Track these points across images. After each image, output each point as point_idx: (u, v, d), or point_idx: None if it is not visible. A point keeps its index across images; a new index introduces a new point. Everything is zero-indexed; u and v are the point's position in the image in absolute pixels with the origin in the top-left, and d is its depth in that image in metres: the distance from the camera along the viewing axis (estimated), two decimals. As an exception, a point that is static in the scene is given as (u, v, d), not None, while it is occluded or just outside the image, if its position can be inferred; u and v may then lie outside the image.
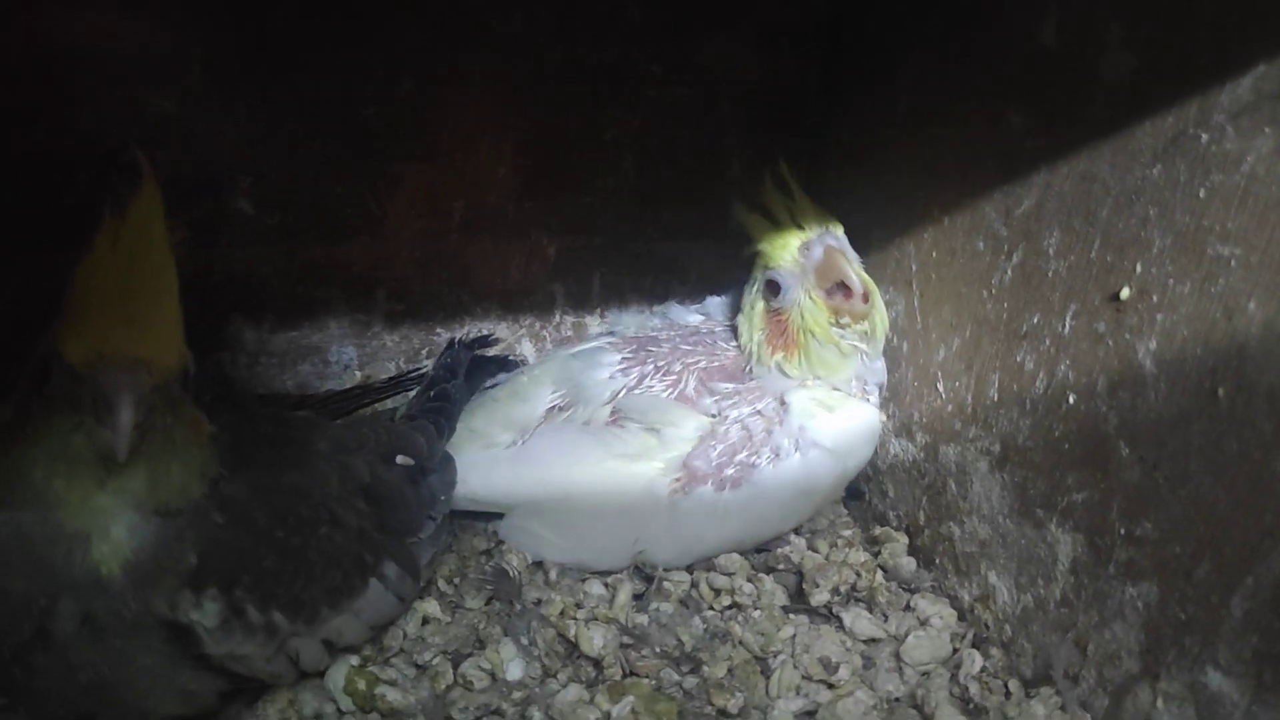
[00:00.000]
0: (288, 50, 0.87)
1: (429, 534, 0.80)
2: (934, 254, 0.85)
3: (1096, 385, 0.68)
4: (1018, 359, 0.76)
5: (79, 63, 0.81)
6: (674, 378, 0.90)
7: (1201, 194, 0.59)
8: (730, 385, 0.89)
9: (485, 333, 1.02)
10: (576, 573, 0.88)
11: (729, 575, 0.86)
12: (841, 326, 0.85)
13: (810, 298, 0.85)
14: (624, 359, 0.92)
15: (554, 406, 0.91)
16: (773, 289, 0.87)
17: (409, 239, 0.98)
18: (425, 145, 0.94)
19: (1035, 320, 0.74)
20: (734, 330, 0.94)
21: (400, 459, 0.79)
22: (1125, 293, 0.65)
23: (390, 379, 0.99)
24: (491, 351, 1.02)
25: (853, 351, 0.86)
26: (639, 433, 0.87)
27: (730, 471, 0.85)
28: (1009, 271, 0.76)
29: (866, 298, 0.84)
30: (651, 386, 0.89)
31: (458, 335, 1.02)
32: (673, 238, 1.05)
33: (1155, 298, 0.63)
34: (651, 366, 0.91)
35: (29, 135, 0.81)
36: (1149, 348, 0.63)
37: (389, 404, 1.00)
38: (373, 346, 1.01)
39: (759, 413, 0.87)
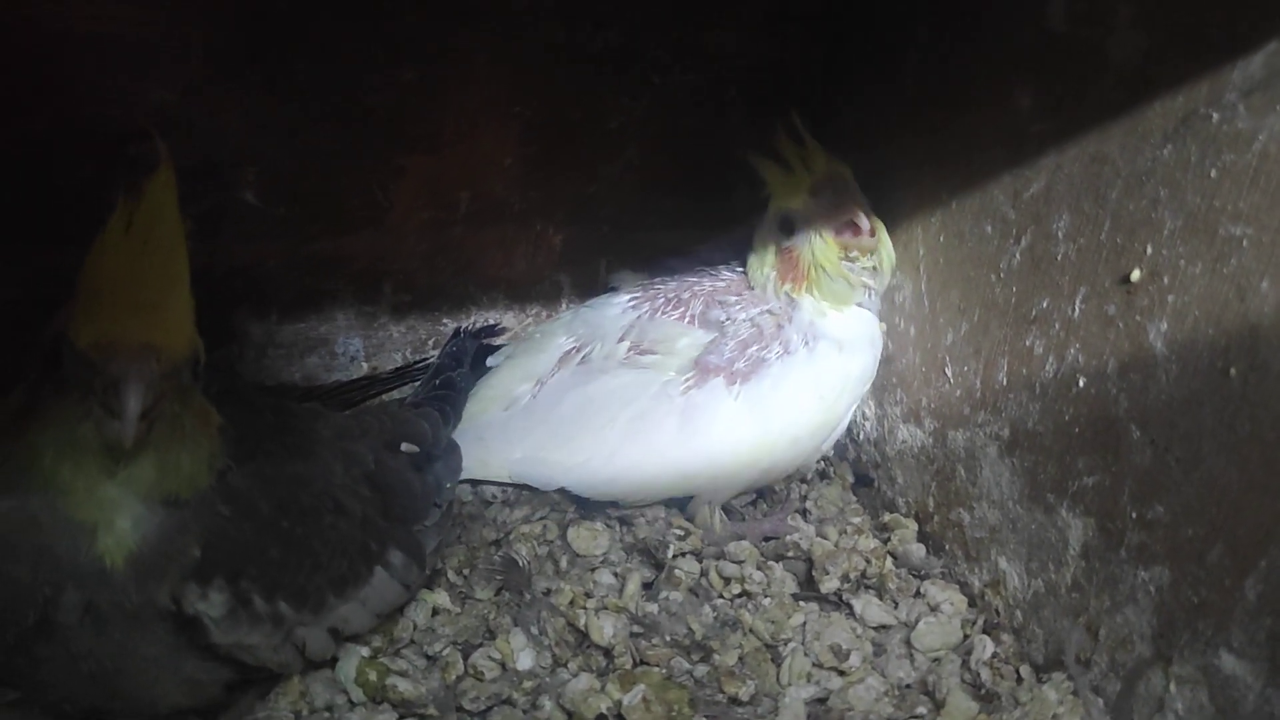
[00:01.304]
0: (290, 37, 0.86)
1: (434, 521, 0.80)
2: (941, 238, 0.85)
3: (1107, 368, 0.68)
4: (1027, 343, 0.75)
5: (76, 51, 0.80)
6: (683, 306, 0.92)
7: (1213, 174, 0.59)
8: (737, 297, 0.92)
9: (491, 322, 1.02)
10: (586, 563, 0.88)
11: (739, 563, 0.86)
12: (851, 261, 0.87)
13: (821, 236, 0.87)
14: (632, 297, 0.95)
15: (570, 350, 0.93)
16: (786, 227, 0.89)
17: (414, 230, 0.97)
18: (429, 135, 0.94)
19: (1044, 304, 0.73)
20: (736, 270, 0.95)
21: (405, 446, 0.78)
22: (1136, 275, 0.64)
23: (397, 369, 0.99)
24: (498, 341, 1.02)
25: (860, 284, 0.89)
26: (653, 356, 0.90)
27: (741, 365, 0.87)
28: (1017, 255, 0.76)
29: (873, 232, 0.86)
30: (663, 319, 0.92)
31: (464, 325, 1.02)
32: (678, 225, 1.05)
33: (1166, 279, 0.62)
34: (661, 299, 0.93)
35: (27, 126, 0.81)
36: (1160, 329, 0.63)
37: (396, 395, 1.00)
38: (379, 338, 1.01)
39: (769, 311, 0.90)
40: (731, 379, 0.87)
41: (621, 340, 0.91)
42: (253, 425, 0.66)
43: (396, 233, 0.97)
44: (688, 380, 0.87)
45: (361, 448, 0.74)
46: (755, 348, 0.88)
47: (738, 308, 0.90)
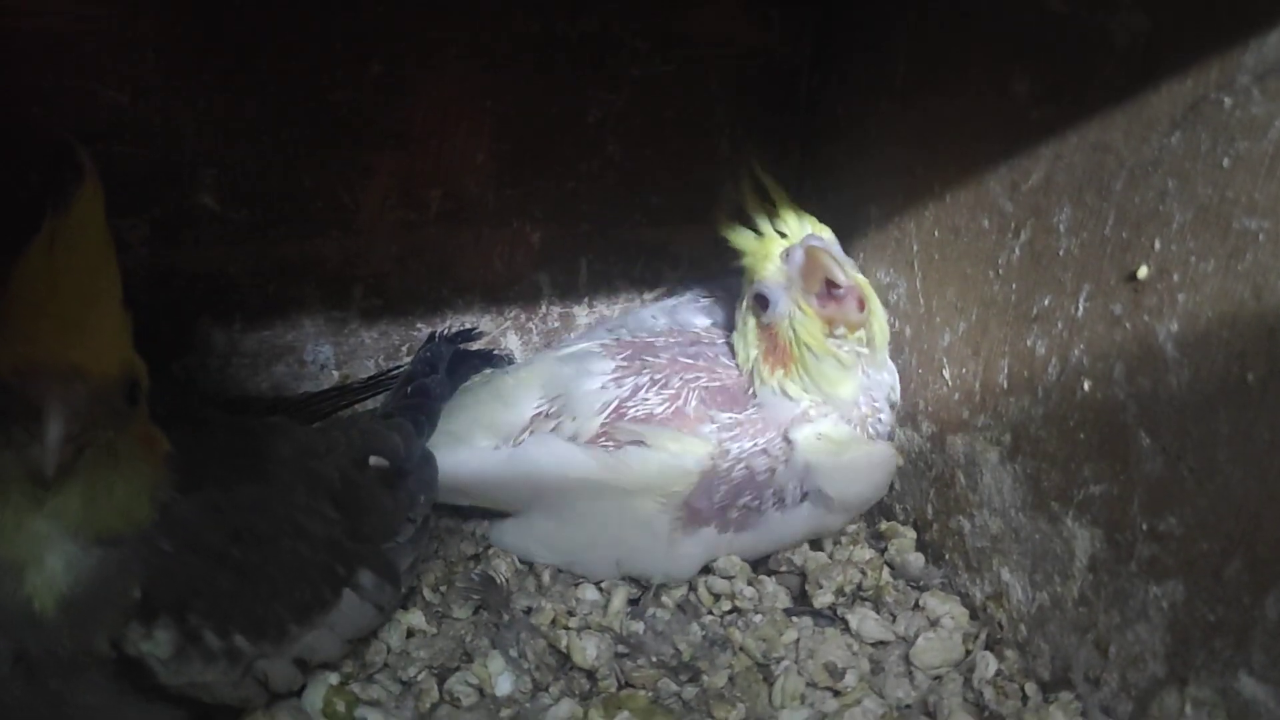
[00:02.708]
0: (248, 32, 0.82)
1: (408, 537, 0.76)
2: (936, 233, 0.81)
3: (1113, 371, 0.64)
4: (1028, 343, 0.72)
5: (19, 51, 0.76)
6: (671, 393, 0.83)
7: (1225, 163, 0.55)
8: (732, 415, 0.83)
9: (468, 326, 0.98)
10: (569, 578, 0.85)
11: (729, 579, 0.83)
12: (837, 337, 0.80)
13: (800, 308, 0.80)
14: (617, 367, 0.86)
15: (540, 413, 0.86)
16: (761, 303, 0.82)
17: (385, 231, 0.93)
18: (398, 131, 0.90)
19: (1046, 302, 0.70)
20: (735, 362, 0.87)
21: (374, 461, 0.75)
22: (1143, 272, 0.61)
23: (370, 378, 0.96)
24: (476, 346, 0.98)
25: (854, 361, 0.81)
26: (636, 453, 0.81)
27: (734, 514, 0.81)
28: (1017, 250, 0.72)
29: (862, 305, 0.79)
30: (647, 399, 0.83)
31: (439, 329, 0.98)
32: (662, 222, 1.01)
33: (1176, 276, 0.59)
34: (647, 378, 0.84)
35: (-32, 131, 0.77)
36: (1170, 330, 0.59)
37: (371, 403, 0.96)
38: (350, 344, 0.97)
39: (764, 451, 0.81)
40: (724, 527, 0.81)
41: (596, 417, 0.83)
42: (204, 449, 0.62)
43: (366, 235, 0.93)
44: (676, 519, 0.80)
45: (326, 465, 0.71)
46: (748, 497, 0.80)
47: (730, 435, 0.81)
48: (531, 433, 0.85)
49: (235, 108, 0.85)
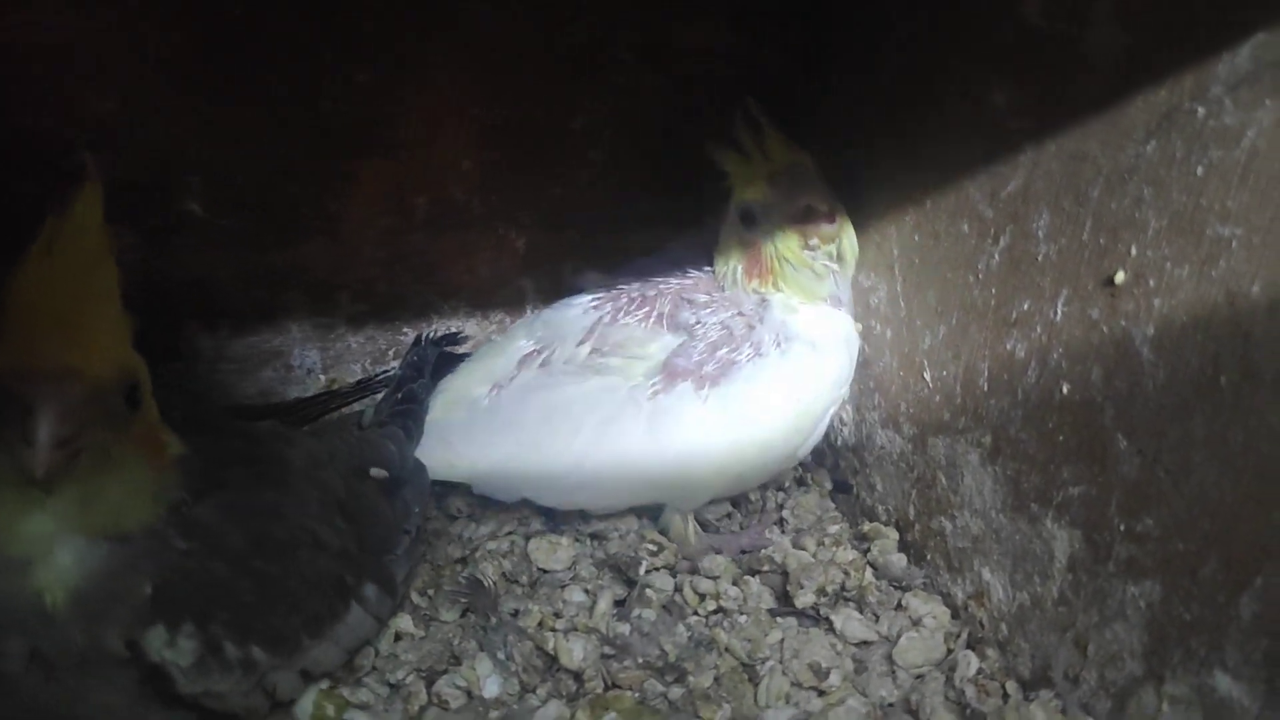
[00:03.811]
0: (237, 41, 0.83)
1: (405, 548, 0.77)
2: (916, 238, 0.82)
3: (1091, 374, 0.65)
4: (1008, 347, 0.73)
5: (11, 60, 0.77)
6: (648, 306, 0.89)
7: (1199, 171, 0.56)
8: (706, 296, 0.89)
9: (454, 330, 0.99)
10: (556, 580, 0.85)
11: (713, 579, 0.83)
12: (812, 249, 0.85)
13: (781, 226, 0.85)
14: (595, 298, 0.91)
15: (530, 353, 0.90)
16: (748, 220, 0.87)
17: (371, 238, 0.94)
18: (384, 139, 0.90)
19: (1025, 306, 0.71)
20: (704, 270, 0.92)
21: (374, 472, 0.75)
22: (1120, 277, 0.62)
23: (357, 383, 0.96)
24: (461, 349, 0.99)
25: (825, 272, 0.86)
26: (618, 358, 0.87)
27: (710, 367, 0.84)
28: (996, 255, 0.73)
29: (834, 218, 0.84)
30: (627, 322, 0.88)
31: (425, 334, 0.98)
32: (647, 228, 1.01)
33: (1152, 282, 0.60)
34: (625, 300, 0.90)
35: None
36: (1146, 334, 0.60)
37: (358, 408, 0.96)
38: (337, 349, 0.98)
39: (740, 313, 0.87)
40: (700, 382, 0.83)
41: (582, 343, 0.88)
42: (218, 452, 0.62)
43: (352, 241, 0.93)
44: (655, 385, 0.84)
45: (332, 475, 0.71)
46: (725, 350, 0.84)
47: (707, 310, 0.87)
48: (521, 374, 0.89)
49: (224, 116, 0.85)
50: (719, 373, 0.83)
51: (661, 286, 0.90)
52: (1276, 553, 0.53)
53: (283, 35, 0.84)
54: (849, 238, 0.87)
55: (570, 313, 0.91)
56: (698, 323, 0.86)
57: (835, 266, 0.86)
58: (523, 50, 0.91)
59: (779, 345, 0.84)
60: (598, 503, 0.89)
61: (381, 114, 0.89)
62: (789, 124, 0.96)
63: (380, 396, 0.89)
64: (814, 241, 0.84)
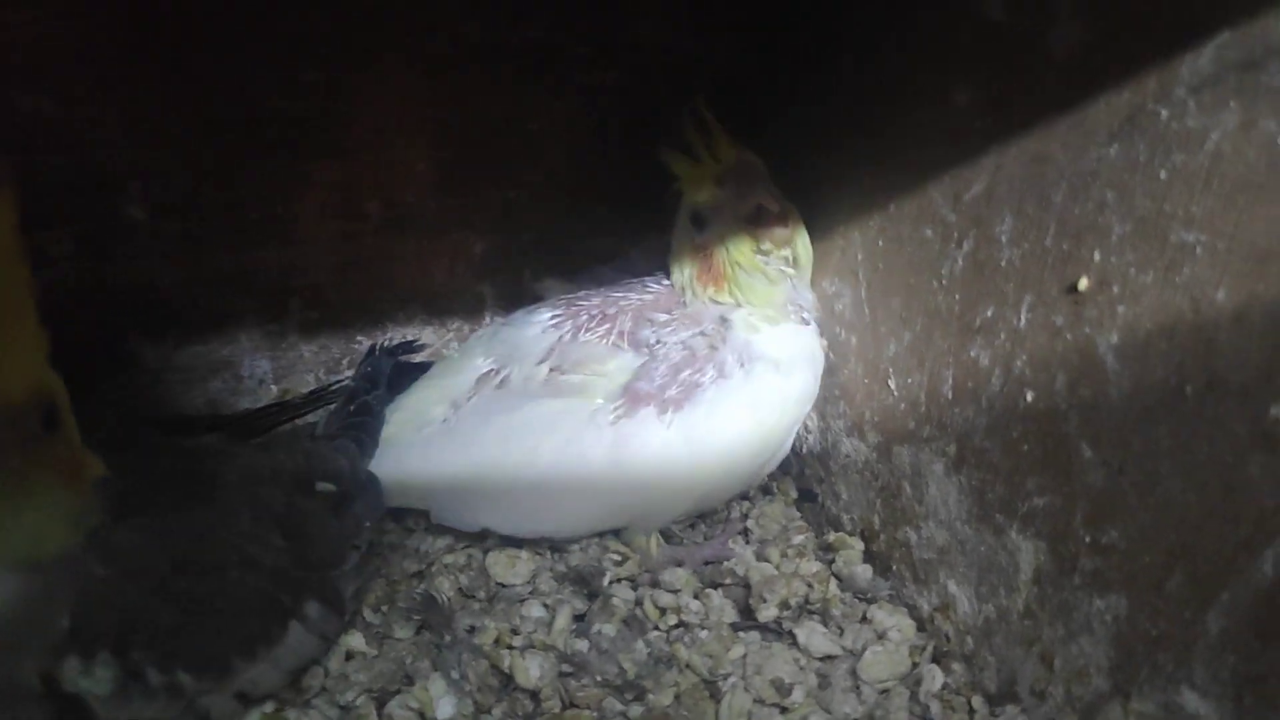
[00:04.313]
0: (180, 39, 0.81)
1: (353, 564, 0.74)
2: (880, 242, 0.81)
3: (1055, 382, 0.64)
4: (972, 354, 0.71)
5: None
6: (609, 324, 0.87)
7: (1162, 175, 0.55)
8: (667, 315, 0.86)
9: (409, 338, 0.97)
10: (514, 594, 0.83)
11: (674, 592, 0.82)
12: (764, 253, 0.83)
13: (732, 228, 0.83)
14: (554, 315, 0.89)
15: (488, 372, 0.88)
16: (697, 222, 0.85)
17: (323, 242, 0.92)
18: (336, 140, 0.88)
19: (989, 313, 0.69)
20: (663, 277, 0.90)
21: (321, 486, 0.73)
22: (1083, 283, 0.60)
23: (310, 393, 0.93)
24: (418, 358, 0.97)
25: (780, 277, 0.84)
26: (579, 377, 0.84)
27: (673, 391, 0.82)
28: (960, 260, 0.72)
29: (786, 221, 0.82)
30: (588, 340, 0.86)
31: (380, 342, 0.96)
32: (608, 232, 1.00)
33: (1116, 288, 0.58)
34: (585, 317, 0.88)
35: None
36: (1110, 342, 0.59)
37: (312, 419, 0.94)
38: (289, 358, 0.96)
39: (701, 333, 0.84)
40: (663, 406, 0.81)
41: (542, 362, 0.85)
42: (144, 472, 0.60)
43: (303, 246, 0.91)
44: (617, 408, 0.81)
45: (272, 490, 0.69)
46: (688, 372, 0.82)
47: (668, 329, 0.85)
48: (478, 394, 0.86)
49: (165, 116, 0.83)
50: (682, 396, 0.81)
51: (622, 303, 0.88)
52: (1243, 567, 0.52)
53: (226, 33, 0.81)
54: (803, 241, 0.85)
55: (529, 331, 0.88)
56: (659, 342, 0.84)
57: (790, 271, 0.84)
58: (476, 48, 0.89)
59: (743, 366, 0.82)
60: (559, 529, 0.86)
61: (331, 114, 0.87)
62: (749, 123, 0.94)
63: (333, 409, 0.87)
64: (766, 245, 0.82)
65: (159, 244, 0.86)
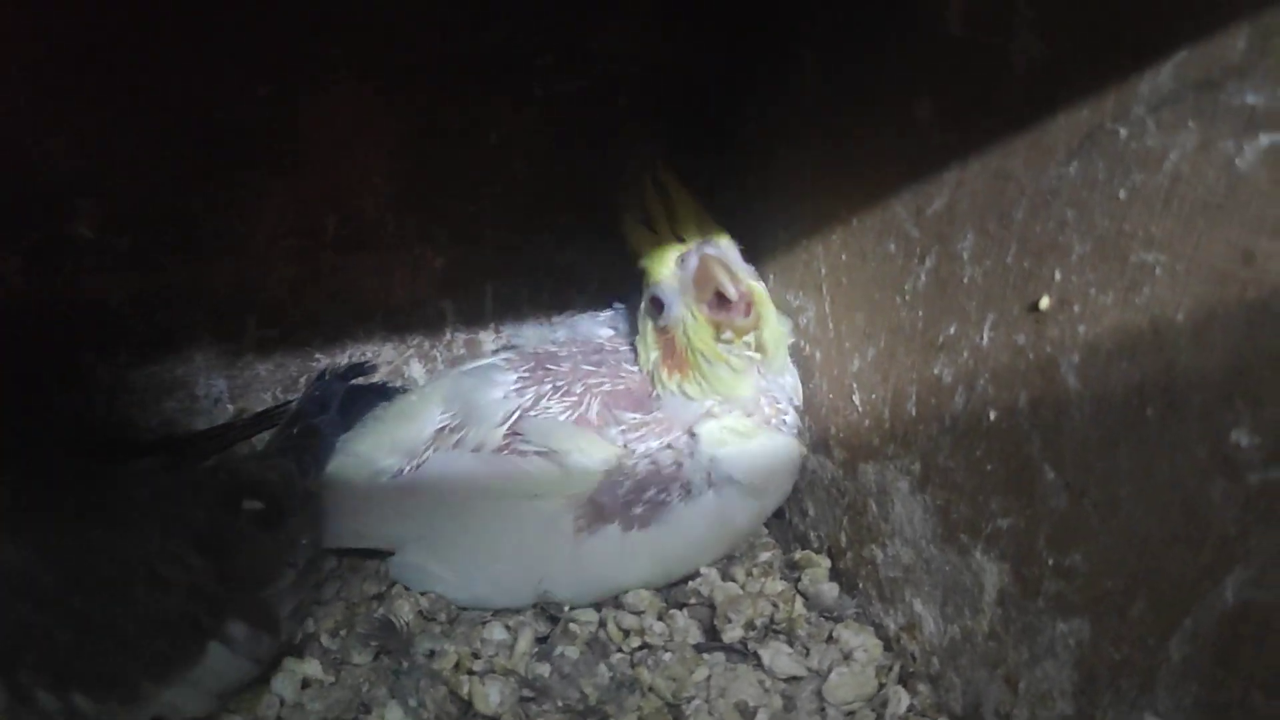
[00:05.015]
0: (129, 53, 0.79)
1: (288, 583, 0.73)
2: (844, 256, 0.80)
3: (1018, 402, 0.63)
4: (935, 371, 0.71)
5: None
6: (574, 399, 0.84)
7: (1122, 195, 0.54)
8: (636, 416, 0.83)
9: (362, 359, 0.96)
10: (476, 617, 0.82)
11: (638, 614, 0.81)
12: (725, 341, 0.80)
13: (693, 313, 0.80)
14: (520, 378, 0.86)
15: (444, 427, 0.85)
16: (656, 306, 0.82)
17: (278, 258, 0.90)
18: (290, 153, 0.87)
19: (952, 330, 0.69)
20: (636, 352, 0.88)
21: (246, 503, 0.72)
22: (1045, 302, 0.60)
23: (258, 414, 0.92)
24: (375, 377, 0.95)
25: (746, 367, 0.81)
26: (539, 461, 0.81)
27: (639, 510, 0.79)
28: (923, 276, 0.71)
29: (749, 309, 0.79)
30: (549, 408, 0.83)
31: (339, 360, 0.96)
32: (571, 244, 0.99)
33: (1077, 308, 0.58)
34: (550, 386, 0.85)
35: None
36: (1072, 362, 0.59)
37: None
38: (245, 377, 0.94)
39: (668, 446, 0.81)
40: (628, 524, 0.79)
41: (500, 427, 0.83)
42: (39, 490, 0.59)
43: (258, 261, 0.90)
44: (579, 519, 0.79)
45: (191, 508, 0.68)
46: (654, 490, 0.79)
47: (636, 435, 0.81)
48: (435, 448, 0.84)
49: (114, 130, 0.81)
50: (648, 515, 0.79)
51: (591, 381, 0.85)
52: (1205, 593, 0.51)
53: (177, 45, 0.80)
54: (770, 326, 0.82)
55: (492, 394, 0.85)
56: (624, 447, 0.81)
57: (756, 357, 0.81)
58: (433, 59, 0.88)
59: (711, 485, 0.80)
60: (517, 604, 0.84)
61: (285, 126, 0.86)
62: (713, 132, 0.94)
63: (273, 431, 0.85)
64: (727, 335, 0.79)
65: (110, 260, 0.85)
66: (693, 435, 0.81)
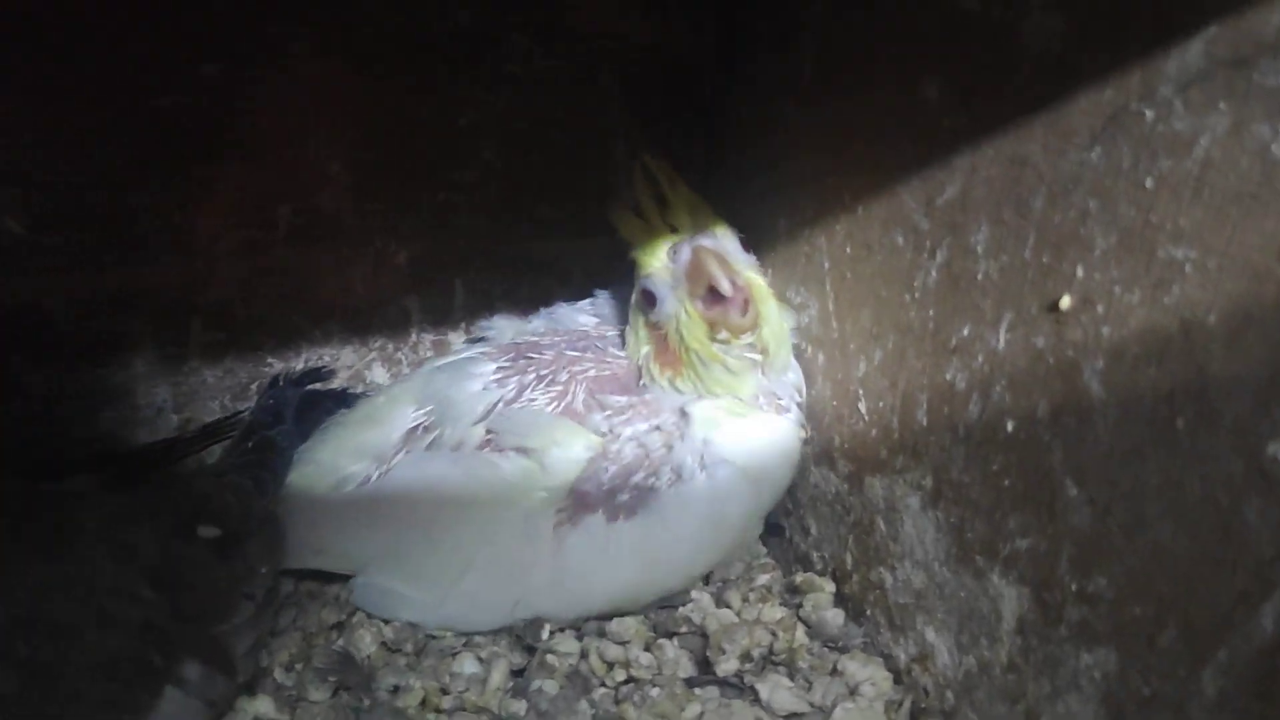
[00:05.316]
0: (59, 28, 0.78)
1: (246, 617, 0.72)
2: (848, 249, 0.80)
3: (1037, 410, 0.63)
4: (948, 376, 0.70)
5: None
6: (559, 389, 0.84)
7: (1148, 183, 0.54)
8: (623, 399, 0.83)
9: (320, 363, 0.95)
10: (445, 648, 0.81)
11: (623, 644, 0.80)
12: (721, 341, 0.80)
13: (686, 310, 0.80)
14: (500, 369, 0.86)
15: (417, 427, 0.85)
16: (648, 300, 0.82)
17: (227, 254, 0.90)
18: (239, 139, 0.86)
19: (965, 331, 0.68)
20: (623, 338, 0.88)
21: (202, 529, 0.71)
22: (1066, 301, 0.59)
23: (205, 427, 0.91)
24: (336, 382, 0.95)
25: (744, 368, 0.81)
26: (517, 459, 0.81)
27: (624, 497, 0.79)
28: (933, 272, 0.71)
29: (746, 307, 0.79)
30: (534, 400, 0.83)
31: (295, 364, 0.95)
32: (550, 236, 0.99)
33: (1100, 308, 0.57)
34: (533, 376, 0.85)
35: None
36: (1096, 368, 0.58)
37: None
38: (190, 384, 0.93)
39: (657, 428, 0.81)
40: (613, 514, 0.79)
41: (478, 423, 0.83)
42: None
43: (204, 259, 0.89)
44: (561, 512, 0.79)
45: (143, 535, 0.67)
46: (641, 474, 0.79)
47: (622, 419, 0.81)
48: (407, 451, 0.84)
49: (45, 116, 0.81)
50: (635, 502, 0.79)
51: (576, 369, 0.85)
52: (1241, 622, 0.51)
53: (114, 23, 0.79)
54: (771, 323, 0.81)
55: (470, 386, 0.85)
56: (610, 432, 0.81)
57: (757, 358, 0.81)
58: (398, 38, 0.87)
59: (704, 469, 0.80)
60: (493, 626, 0.83)
61: (235, 111, 0.85)
62: (704, 116, 0.94)
63: (227, 445, 0.85)
64: (723, 334, 0.79)
65: (42, 260, 0.84)
66: (684, 415, 0.81)
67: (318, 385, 0.93)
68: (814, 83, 0.82)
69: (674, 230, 0.81)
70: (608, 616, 0.83)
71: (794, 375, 0.86)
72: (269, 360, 0.95)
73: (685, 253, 0.79)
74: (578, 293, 1.00)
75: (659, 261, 0.80)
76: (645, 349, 0.84)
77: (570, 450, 0.81)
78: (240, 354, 0.94)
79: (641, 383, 0.85)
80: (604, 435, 0.81)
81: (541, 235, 1.00)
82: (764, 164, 0.89)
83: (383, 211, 0.93)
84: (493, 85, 0.92)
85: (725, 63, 0.94)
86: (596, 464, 0.80)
